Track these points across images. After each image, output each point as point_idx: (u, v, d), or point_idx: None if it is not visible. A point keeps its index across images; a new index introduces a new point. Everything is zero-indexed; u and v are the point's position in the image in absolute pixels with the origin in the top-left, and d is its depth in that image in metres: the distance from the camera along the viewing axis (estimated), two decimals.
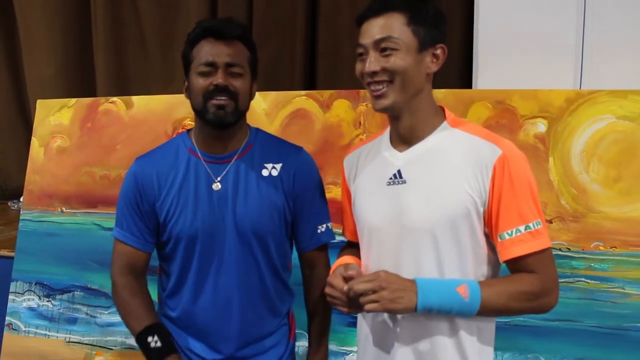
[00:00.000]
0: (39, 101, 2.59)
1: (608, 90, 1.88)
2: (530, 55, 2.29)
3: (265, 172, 1.43)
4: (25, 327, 2.40)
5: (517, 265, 1.18)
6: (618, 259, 1.81)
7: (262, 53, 3.34)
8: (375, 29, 1.19)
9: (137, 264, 1.46)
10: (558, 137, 1.89)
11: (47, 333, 2.37)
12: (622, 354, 1.78)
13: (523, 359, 1.86)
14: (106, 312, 2.30)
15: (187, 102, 1.42)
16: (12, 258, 2.47)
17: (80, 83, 3.77)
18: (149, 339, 1.37)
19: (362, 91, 2.08)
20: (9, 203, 3.79)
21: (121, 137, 2.39)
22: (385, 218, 1.26)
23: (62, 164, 2.46)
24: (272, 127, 2.16)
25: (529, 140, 1.91)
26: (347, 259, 1.34)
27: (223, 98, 1.35)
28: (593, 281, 1.83)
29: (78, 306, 2.35)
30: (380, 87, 1.20)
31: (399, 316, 1.24)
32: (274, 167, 1.44)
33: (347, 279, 1.21)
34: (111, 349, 2.28)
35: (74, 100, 2.52)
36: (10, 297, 2.43)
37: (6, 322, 2.42)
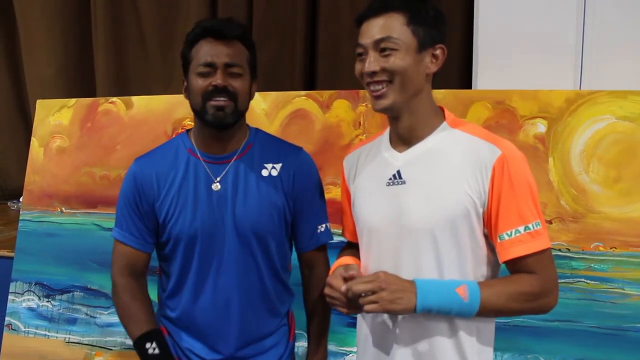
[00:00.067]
0: (38, 101, 2.59)
1: (608, 91, 1.88)
2: (530, 55, 2.29)
3: (265, 172, 1.43)
4: (24, 328, 2.40)
5: (516, 265, 1.18)
6: (618, 260, 1.81)
7: (262, 53, 3.34)
8: (375, 29, 1.19)
9: (137, 265, 1.46)
10: (558, 137, 1.89)
11: (47, 333, 2.37)
12: (621, 354, 1.78)
13: (523, 359, 1.86)
14: (106, 313, 2.30)
15: (187, 103, 1.42)
16: (11, 258, 2.47)
17: (80, 83, 3.77)
18: (147, 345, 1.38)
19: (361, 91, 2.08)
20: (8, 203, 3.79)
21: (121, 138, 2.39)
22: (384, 218, 1.25)
23: (62, 164, 2.46)
24: (272, 128, 2.16)
25: (529, 140, 1.91)
26: (346, 259, 1.34)
27: (222, 99, 1.35)
28: (593, 282, 1.83)
29: (78, 306, 2.35)
30: (380, 87, 1.20)
31: (398, 317, 1.24)
32: (273, 167, 1.44)
33: (346, 280, 1.21)
34: (111, 350, 2.28)
35: (73, 100, 2.52)
36: (10, 297, 2.43)
37: (6, 323, 2.42)
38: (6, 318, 2.43)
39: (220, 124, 1.37)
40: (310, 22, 3.25)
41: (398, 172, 1.25)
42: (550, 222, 1.85)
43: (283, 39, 3.30)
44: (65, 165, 2.45)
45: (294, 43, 3.27)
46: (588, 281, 1.83)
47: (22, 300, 2.42)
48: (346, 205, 1.43)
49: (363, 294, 1.16)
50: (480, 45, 2.40)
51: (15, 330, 2.41)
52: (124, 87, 3.61)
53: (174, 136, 1.60)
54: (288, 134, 2.12)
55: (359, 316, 1.37)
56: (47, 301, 2.39)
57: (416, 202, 1.21)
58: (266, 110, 2.22)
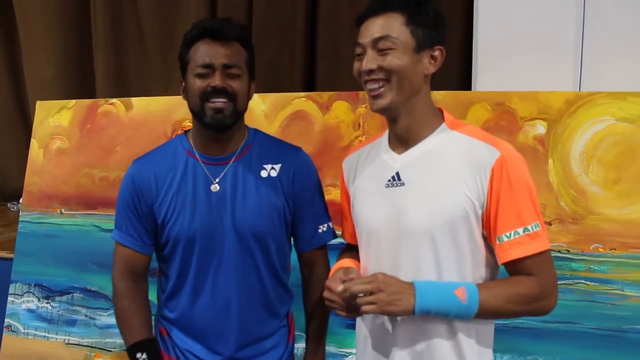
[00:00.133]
0: (38, 102, 2.60)
1: (607, 92, 1.88)
2: (529, 56, 2.29)
3: (264, 173, 1.43)
4: (24, 329, 2.40)
5: (515, 267, 1.18)
6: (617, 261, 1.81)
7: (261, 53, 3.35)
8: (373, 28, 1.20)
9: (137, 267, 1.46)
10: (557, 138, 1.89)
11: (47, 335, 2.37)
12: (621, 355, 1.78)
13: None
14: (105, 314, 2.30)
15: (186, 104, 1.42)
16: (11, 259, 2.47)
17: (80, 84, 3.78)
18: (138, 355, 1.40)
19: (361, 93, 2.08)
20: (8, 204, 3.79)
21: (120, 139, 2.39)
22: (383, 220, 1.25)
23: (61, 166, 2.46)
24: (272, 129, 2.16)
25: (529, 142, 1.91)
26: (346, 262, 1.34)
27: (221, 100, 1.34)
28: (592, 283, 1.83)
29: (77, 308, 2.35)
30: (376, 85, 1.20)
31: (397, 318, 1.23)
32: (272, 168, 1.44)
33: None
34: (110, 351, 2.28)
35: (73, 101, 2.53)
36: (10, 298, 2.43)
37: (5, 324, 2.42)
38: (6, 319, 2.43)
39: (219, 126, 1.37)
40: (310, 22, 3.26)
41: (397, 173, 1.25)
42: (549, 224, 1.85)
43: (283, 39, 3.30)
44: (64, 166, 2.46)
45: (293, 43, 3.27)
46: (588, 282, 1.83)
47: (21, 302, 2.42)
48: (345, 207, 1.43)
49: (361, 295, 1.15)
50: (480, 46, 2.40)
51: (14, 331, 2.41)
52: (124, 88, 3.62)
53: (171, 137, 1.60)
54: (287, 135, 2.11)
55: (358, 318, 1.37)
56: (47, 302, 2.39)
57: (415, 204, 1.21)
58: (266, 111, 2.22)
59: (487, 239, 1.21)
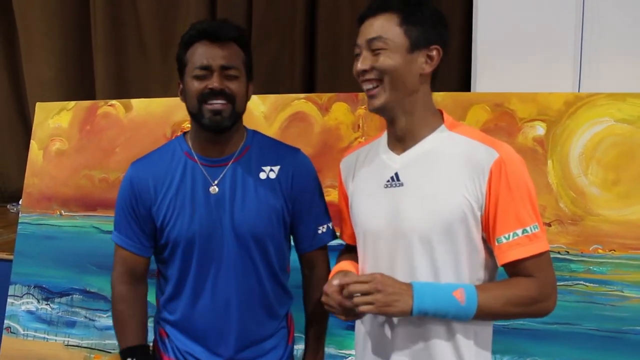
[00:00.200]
0: (38, 104, 2.60)
1: (607, 93, 1.88)
2: (529, 58, 2.29)
3: (263, 175, 1.43)
4: (23, 331, 2.40)
5: (514, 269, 1.17)
6: (617, 262, 1.81)
7: (261, 53, 3.34)
8: (368, 29, 1.21)
9: (136, 269, 1.47)
10: (557, 140, 1.89)
11: (46, 336, 2.37)
12: (621, 357, 1.77)
13: None
14: (105, 316, 2.30)
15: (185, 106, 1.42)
16: (10, 261, 2.48)
17: (80, 85, 3.77)
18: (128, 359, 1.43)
19: (360, 94, 2.08)
20: (8, 206, 3.79)
21: (120, 140, 2.39)
22: (382, 221, 1.25)
23: (61, 167, 2.46)
24: (271, 130, 2.16)
25: (528, 143, 1.91)
26: (345, 264, 1.34)
27: (219, 102, 1.34)
28: (592, 284, 1.83)
29: (77, 309, 2.35)
30: (371, 86, 1.22)
31: (395, 320, 1.23)
32: (271, 170, 1.44)
33: (344, 288, 1.20)
34: (110, 352, 2.28)
35: (73, 103, 2.53)
36: (9, 300, 2.43)
37: (5, 326, 2.43)
38: (5, 321, 2.43)
39: (217, 128, 1.37)
40: (310, 22, 3.25)
41: (396, 174, 1.25)
42: (549, 225, 1.85)
43: (283, 39, 3.30)
44: (64, 167, 2.46)
45: (293, 43, 3.27)
46: (587, 284, 1.83)
47: (21, 303, 2.42)
48: (344, 207, 1.43)
49: (357, 295, 1.15)
50: (480, 47, 2.40)
51: (14, 333, 2.41)
52: (124, 89, 3.62)
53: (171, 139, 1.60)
54: (287, 136, 2.12)
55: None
56: (46, 304, 2.39)
57: (413, 205, 1.21)
58: (265, 113, 2.22)
59: (486, 241, 1.20)
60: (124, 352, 1.45)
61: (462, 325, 1.20)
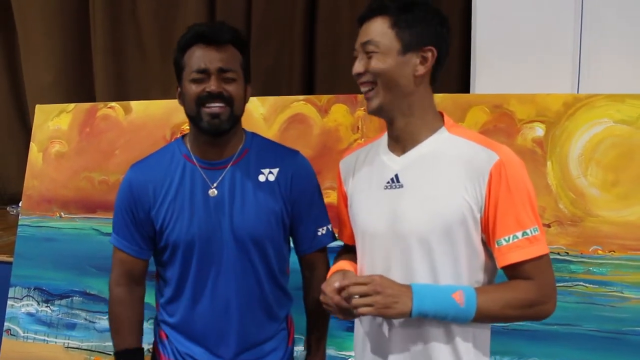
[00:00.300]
0: (37, 106, 2.60)
1: (606, 95, 1.87)
2: (527, 59, 2.29)
3: (262, 178, 1.43)
4: (23, 333, 2.40)
5: (514, 271, 1.17)
6: (616, 263, 1.81)
7: (261, 55, 3.33)
8: (363, 32, 1.23)
9: (134, 271, 1.47)
10: (556, 141, 1.89)
11: (46, 338, 2.37)
12: (621, 357, 1.77)
13: None
14: (105, 317, 2.29)
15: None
16: (10, 263, 2.47)
17: (79, 87, 3.77)
18: None
19: (359, 96, 2.07)
20: (7, 208, 3.80)
21: (120, 142, 2.39)
22: (381, 222, 1.25)
23: (60, 169, 2.46)
24: (271, 132, 2.16)
25: (527, 144, 1.91)
26: (343, 264, 1.34)
27: (217, 105, 1.34)
28: (591, 285, 1.83)
29: (77, 311, 2.35)
30: (366, 88, 1.23)
31: (394, 321, 1.23)
32: (270, 172, 1.44)
33: (341, 289, 1.20)
34: (110, 354, 2.27)
35: (72, 105, 2.53)
36: (9, 302, 2.43)
37: (5, 328, 2.42)
38: (5, 323, 2.42)
39: (216, 131, 1.37)
40: (309, 24, 3.26)
41: (396, 175, 1.25)
42: (548, 226, 1.85)
43: (282, 40, 3.30)
44: (64, 170, 2.46)
45: (293, 44, 3.27)
46: (587, 285, 1.83)
47: (21, 306, 2.42)
48: (342, 207, 1.43)
49: (356, 296, 1.15)
50: (479, 49, 2.40)
51: (14, 335, 2.40)
52: (124, 90, 3.62)
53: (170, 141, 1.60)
54: (286, 138, 2.12)
55: (356, 320, 1.37)
56: (46, 306, 2.39)
57: (413, 207, 1.21)
58: (264, 114, 2.22)
59: (486, 243, 1.21)
60: (118, 355, 1.47)
61: (461, 327, 1.20)
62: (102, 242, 2.32)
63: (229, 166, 1.42)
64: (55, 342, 2.36)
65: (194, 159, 1.42)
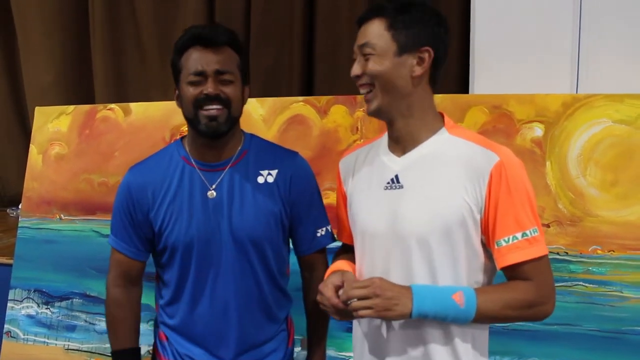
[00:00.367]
0: (37, 108, 2.60)
1: (604, 95, 1.88)
2: (526, 59, 2.29)
3: (260, 179, 1.43)
4: (24, 335, 2.40)
5: (513, 272, 1.18)
6: (616, 263, 1.81)
7: (260, 56, 3.33)
8: (361, 34, 1.23)
9: (131, 272, 1.48)
10: (555, 141, 1.89)
11: (46, 340, 2.37)
12: (620, 357, 1.77)
13: None
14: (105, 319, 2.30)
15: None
16: (10, 265, 2.47)
17: (79, 87, 3.77)
18: None
19: (359, 97, 2.08)
20: (7, 210, 3.79)
21: (119, 144, 2.39)
22: (380, 223, 1.25)
23: (60, 171, 2.46)
24: (270, 133, 2.17)
25: (526, 144, 1.91)
26: (341, 264, 1.34)
27: (215, 107, 1.34)
28: (591, 285, 1.83)
29: (77, 313, 2.35)
30: (365, 90, 1.23)
31: (393, 322, 1.23)
32: (269, 174, 1.44)
33: (339, 288, 1.21)
34: (110, 356, 2.27)
35: (72, 107, 2.53)
36: (9, 304, 2.43)
37: (5, 330, 2.42)
38: (5, 325, 2.42)
39: (213, 134, 1.37)
40: (308, 25, 3.26)
41: (396, 176, 1.25)
42: (548, 226, 1.85)
43: (281, 42, 3.30)
44: (63, 172, 2.46)
45: (292, 46, 3.26)
46: (586, 284, 1.83)
47: (21, 308, 2.42)
48: (342, 207, 1.43)
49: (354, 299, 1.15)
50: (477, 49, 2.40)
51: (14, 337, 2.40)
52: (123, 92, 3.61)
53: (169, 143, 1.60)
54: (286, 139, 2.12)
55: (354, 321, 1.37)
56: (46, 308, 2.39)
57: (413, 207, 1.21)
58: (264, 116, 2.22)
59: (485, 244, 1.21)
60: (114, 354, 1.47)
61: (460, 328, 1.20)
62: (102, 243, 2.32)
63: (227, 168, 1.42)
64: (56, 344, 2.36)
65: (192, 161, 1.43)
